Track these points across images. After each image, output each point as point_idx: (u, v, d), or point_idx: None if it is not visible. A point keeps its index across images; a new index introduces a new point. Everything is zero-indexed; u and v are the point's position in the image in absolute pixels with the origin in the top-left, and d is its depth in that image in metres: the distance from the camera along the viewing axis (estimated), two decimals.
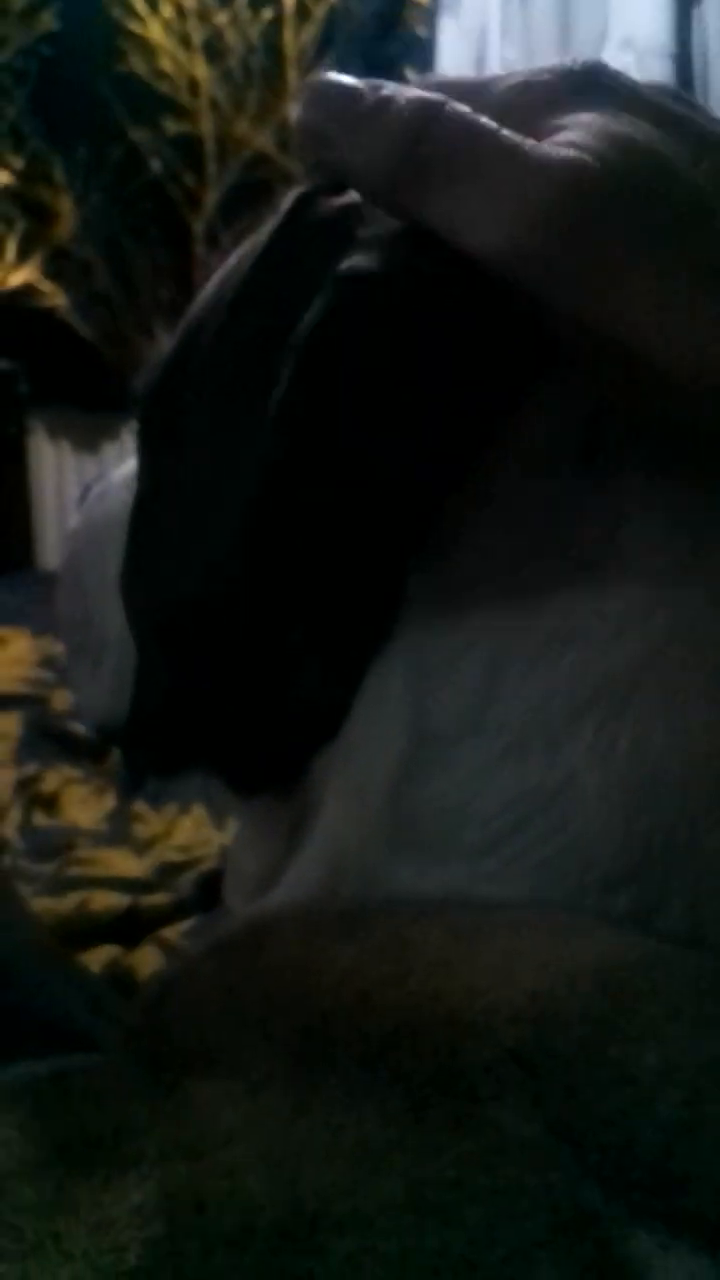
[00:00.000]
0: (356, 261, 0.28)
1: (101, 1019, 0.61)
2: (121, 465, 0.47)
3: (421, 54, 2.56)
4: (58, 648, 1.60)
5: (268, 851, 0.35)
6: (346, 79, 0.28)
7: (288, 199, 0.32)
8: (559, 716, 0.27)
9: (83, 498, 0.50)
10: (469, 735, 0.28)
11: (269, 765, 0.34)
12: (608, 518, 0.28)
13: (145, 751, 0.45)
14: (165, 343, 0.39)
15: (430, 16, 2.55)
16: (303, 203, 0.32)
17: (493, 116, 0.26)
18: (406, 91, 0.27)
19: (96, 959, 0.83)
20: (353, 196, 0.30)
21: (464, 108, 0.26)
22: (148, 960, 0.82)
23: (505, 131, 0.26)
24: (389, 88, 0.27)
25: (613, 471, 0.29)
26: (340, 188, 0.31)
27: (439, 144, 0.26)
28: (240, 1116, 0.21)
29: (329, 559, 0.30)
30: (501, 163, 0.25)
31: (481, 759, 0.27)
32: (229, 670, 0.33)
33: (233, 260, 0.35)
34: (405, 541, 0.29)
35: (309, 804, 0.33)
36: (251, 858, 0.37)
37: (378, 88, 0.27)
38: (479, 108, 0.27)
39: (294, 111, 0.29)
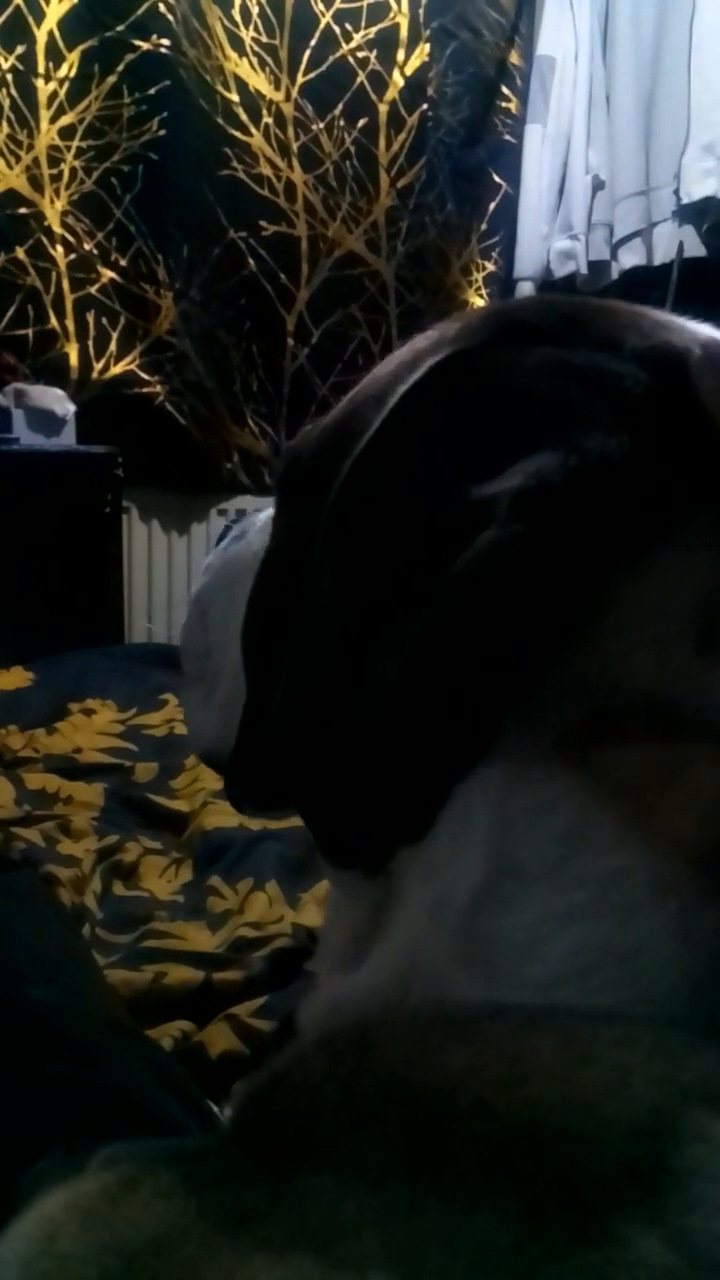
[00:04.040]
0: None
1: (170, 1094, 0.63)
2: (264, 510, 0.49)
3: (508, 160, 2.65)
4: (142, 720, 1.65)
5: (353, 923, 0.36)
6: None
7: (431, 363, 0.35)
8: (642, 887, 0.28)
9: (222, 536, 0.52)
10: (546, 879, 0.29)
11: (357, 843, 0.36)
12: None
13: (245, 785, 0.47)
14: (323, 419, 0.42)
15: (518, 124, 2.65)
16: (457, 365, 0.35)
17: None
18: None
19: (168, 1033, 0.84)
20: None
21: None
22: (218, 1037, 0.83)
23: None
24: None
25: None
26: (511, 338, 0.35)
27: None
28: (361, 1209, 0.21)
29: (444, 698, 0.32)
30: None
31: (557, 905, 0.28)
32: (328, 746, 0.35)
33: (390, 366, 0.38)
34: (508, 689, 0.31)
35: (392, 890, 0.34)
36: (339, 927, 0.38)
37: None
38: None
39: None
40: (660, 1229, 0.19)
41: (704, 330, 0.36)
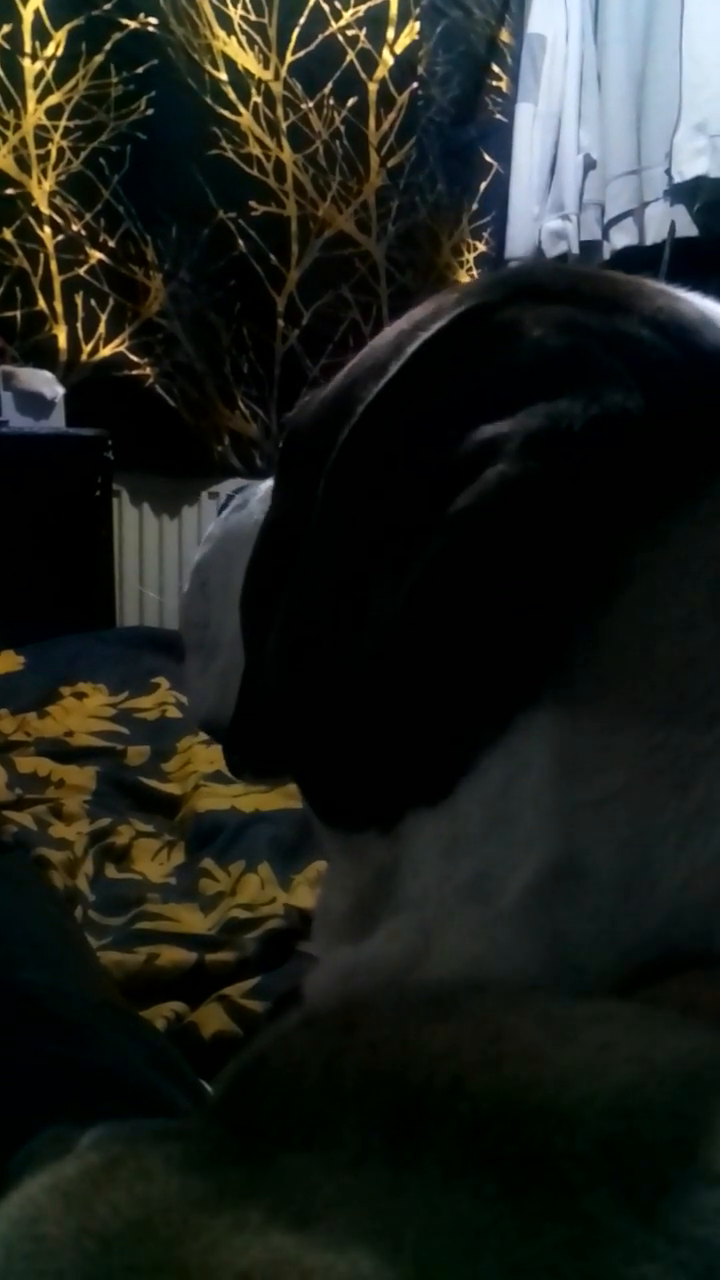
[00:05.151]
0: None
1: (163, 1075, 0.63)
2: (266, 481, 0.49)
3: (499, 139, 2.63)
4: (134, 703, 1.65)
5: (356, 890, 0.36)
6: None
7: (455, 311, 0.36)
8: (710, 892, 0.28)
9: (223, 505, 0.52)
10: (617, 884, 0.29)
11: (358, 802, 0.35)
12: None
13: (244, 750, 0.47)
14: (321, 388, 0.42)
15: (508, 103, 2.63)
16: (473, 316, 0.35)
17: None
18: None
19: (161, 1014, 0.85)
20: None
21: None
22: (211, 1018, 0.84)
23: None
24: None
25: None
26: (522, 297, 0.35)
27: None
28: (340, 1188, 0.21)
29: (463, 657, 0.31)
30: None
31: (631, 907, 0.28)
32: (340, 709, 0.34)
33: (390, 335, 0.38)
34: (524, 643, 0.30)
35: (401, 856, 0.33)
36: (339, 896, 0.37)
37: None
38: None
39: None
40: (634, 1206, 0.19)
41: (700, 299, 0.36)
